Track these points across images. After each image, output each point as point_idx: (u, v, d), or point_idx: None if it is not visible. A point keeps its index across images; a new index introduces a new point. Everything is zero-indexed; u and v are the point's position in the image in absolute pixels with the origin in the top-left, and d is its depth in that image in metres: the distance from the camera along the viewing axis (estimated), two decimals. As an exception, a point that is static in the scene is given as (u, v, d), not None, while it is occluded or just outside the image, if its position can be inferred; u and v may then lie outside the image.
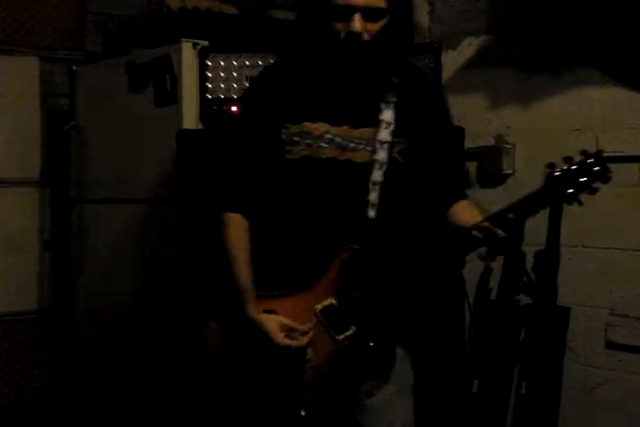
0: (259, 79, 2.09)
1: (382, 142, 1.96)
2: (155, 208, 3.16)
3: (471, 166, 3.24)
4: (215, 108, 2.98)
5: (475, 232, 1.85)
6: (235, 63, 3.00)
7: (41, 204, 3.81)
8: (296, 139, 1.95)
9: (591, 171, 1.79)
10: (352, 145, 1.96)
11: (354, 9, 1.86)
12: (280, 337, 1.89)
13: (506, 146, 3.17)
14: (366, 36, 1.88)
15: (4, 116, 3.67)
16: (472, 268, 3.16)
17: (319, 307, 1.92)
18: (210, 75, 2.97)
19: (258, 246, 1.98)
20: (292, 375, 1.91)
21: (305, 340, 1.90)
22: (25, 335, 3.78)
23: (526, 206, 1.86)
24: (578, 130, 3.00)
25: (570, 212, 3.01)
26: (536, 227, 3.07)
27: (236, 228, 1.97)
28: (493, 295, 3.16)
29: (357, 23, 1.86)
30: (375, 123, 1.98)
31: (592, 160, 1.79)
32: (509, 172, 3.16)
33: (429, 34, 3.42)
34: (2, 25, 3.67)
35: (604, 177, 1.79)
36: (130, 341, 3.27)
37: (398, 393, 2.05)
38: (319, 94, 1.97)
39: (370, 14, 1.87)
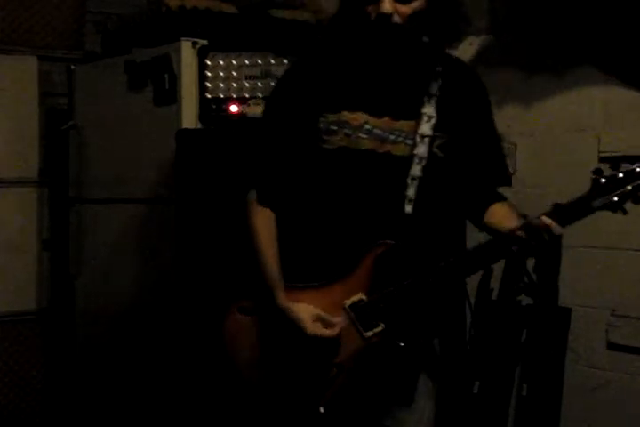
0: (296, 66, 2.05)
1: (423, 136, 1.91)
2: (154, 208, 3.15)
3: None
4: (214, 107, 2.97)
5: (520, 232, 1.85)
6: (234, 62, 2.99)
7: (39, 203, 3.80)
8: (334, 128, 1.90)
9: (638, 180, 1.78)
10: (392, 137, 1.91)
11: None
12: (311, 326, 1.86)
13: (507, 146, 3.15)
14: (396, 18, 1.83)
15: (2, 116, 3.67)
16: (473, 268, 3.16)
17: (348, 302, 1.89)
18: (209, 74, 2.96)
19: (290, 237, 1.96)
20: (316, 369, 1.88)
21: (335, 331, 1.86)
22: (24, 336, 3.78)
23: (571, 211, 1.88)
24: (579, 130, 2.99)
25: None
26: (537, 227, 3.07)
27: (264, 219, 1.95)
28: (494, 296, 3.15)
29: (387, 4, 1.81)
30: (416, 115, 1.92)
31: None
32: (510, 171, 3.15)
33: (430, 33, 3.41)
34: (1, 24, 3.66)
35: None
36: (129, 341, 3.26)
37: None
38: (359, 83, 1.93)
39: None
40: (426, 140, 1.92)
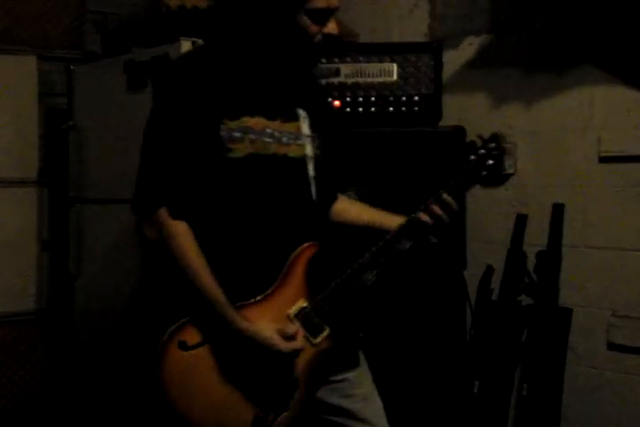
0: (185, 68, 1.86)
1: (307, 136, 1.93)
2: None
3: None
4: (214, 107, 2.96)
5: (426, 218, 1.89)
6: (234, 62, 2.98)
7: (39, 203, 3.80)
8: (237, 135, 1.81)
9: (494, 154, 1.93)
10: (284, 139, 1.88)
11: (331, 12, 1.83)
12: (283, 343, 1.77)
13: (507, 145, 3.14)
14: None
15: (1, 116, 3.66)
16: (473, 268, 3.16)
17: (293, 311, 1.84)
18: (209, 74, 2.95)
19: (211, 254, 1.80)
20: (276, 390, 1.81)
21: (301, 340, 1.81)
22: (23, 336, 3.77)
23: (455, 190, 1.92)
24: (579, 129, 2.99)
25: (571, 212, 3.01)
26: (537, 228, 3.07)
27: (187, 237, 1.78)
28: (495, 296, 3.15)
29: (335, 26, 1.84)
30: (297, 117, 1.93)
31: (493, 144, 1.93)
32: (511, 171, 3.15)
33: (430, 33, 3.41)
34: (0, 24, 3.65)
35: (501, 159, 1.94)
36: (128, 341, 3.26)
37: (371, 390, 2.03)
38: (254, 88, 1.86)
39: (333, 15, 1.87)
40: (309, 140, 1.94)
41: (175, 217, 1.79)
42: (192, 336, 1.78)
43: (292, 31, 1.82)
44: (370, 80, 2.99)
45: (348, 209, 2.10)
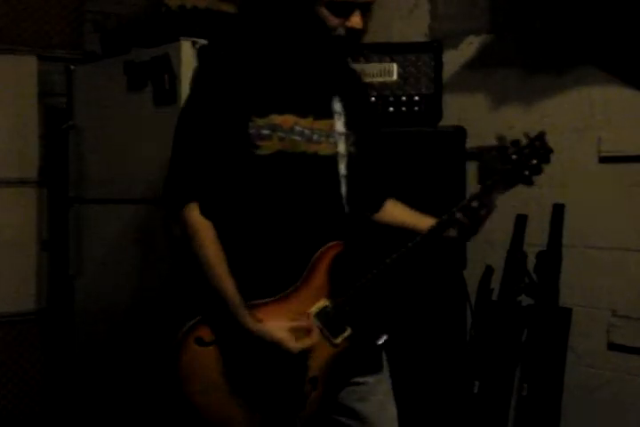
0: (214, 66, 1.87)
1: (340, 134, 1.91)
2: (154, 208, 3.14)
3: (472, 166, 3.23)
4: (214, 107, 2.96)
5: (460, 216, 1.86)
6: (234, 62, 2.98)
7: (39, 203, 3.80)
8: (266, 132, 1.81)
9: (539, 153, 1.92)
10: (315, 137, 1.87)
11: (355, 5, 1.80)
12: (294, 343, 1.76)
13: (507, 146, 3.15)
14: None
15: (1, 116, 3.66)
16: (473, 268, 3.16)
17: (314, 310, 1.83)
18: (209, 74, 2.95)
19: (236, 251, 1.82)
20: (291, 389, 1.80)
21: (315, 336, 1.80)
22: (23, 336, 3.77)
23: (490, 191, 1.90)
24: (579, 129, 2.99)
25: (571, 212, 3.01)
26: (537, 228, 3.07)
27: (208, 234, 1.80)
28: (495, 296, 3.15)
29: (360, 20, 1.80)
30: (331, 114, 1.91)
31: (538, 143, 1.92)
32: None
33: (430, 33, 3.41)
34: (0, 24, 3.66)
35: (547, 158, 1.92)
36: (128, 341, 3.26)
37: (388, 397, 2.02)
38: (283, 85, 1.85)
39: (365, 9, 1.84)
40: (342, 137, 1.91)
41: (203, 214, 1.80)
42: (209, 333, 1.80)
43: (311, 23, 1.80)
44: (370, 80, 2.98)
45: (392, 211, 2.08)
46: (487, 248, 3.21)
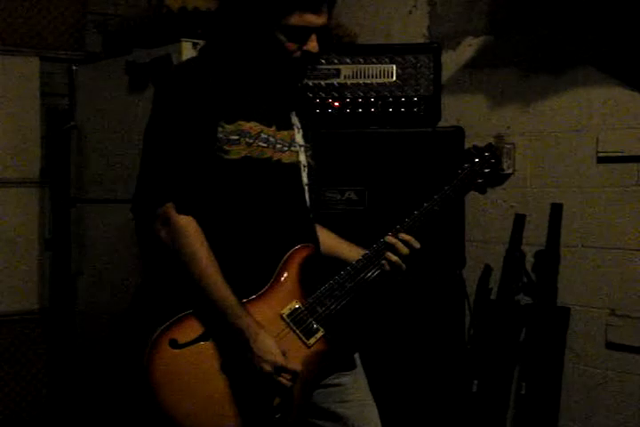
0: (186, 73, 1.89)
1: (300, 145, 1.97)
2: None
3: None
4: (215, 108, 2.97)
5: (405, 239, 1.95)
6: (235, 63, 2.99)
7: (41, 203, 3.81)
8: (234, 137, 1.84)
9: (490, 162, 2.06)
10: (278, 146, 1.91)
11: (311, 30, 1.83)
12: (280, 357, 1.75)
13: (506, 146, 3.16)
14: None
15: (3, 116, 3.67)
16: (472, 268, 3.17)
17: (286, 311, 1.84)
18: (210, 75, 2.96)
19: None
20: (270, 390, 1.78)
21: (297, 365, 1.78)
22: (25, 335, 3.78)
23: (454, 195, 2.01)
24: (578, 130, 3.00)
25: (569, 212, 3.02)
26: (536, 227, 3.08)
27: (197, 234, 1.79)
28: (493, 295, 3.16)
29: (316, 44, 1.84)
30: (291, 126, 1.97)
31: (488, 153, 2.07)
32: (509, 172, 3.16)
33: (429, 34, 3.42)
34: (2, 25, 3.67)
35: (496, 168, 2.07)
36: (129, 341, 3.27)
37: (367, 395, 2.02)
38: (249, 94, 1.90)
39: (321, 33, 1.86)
40: (302, 149, 1.97)
41: (182, 212, 1.79)
42: (184, 334, 1.77)
43: (269, 47, 1.85)
44: (369, 81, 3.00)
45: (325, 238, 2.08)
46: (486, 248, 3.22)
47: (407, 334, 2.91)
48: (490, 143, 2.10)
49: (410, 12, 3.49)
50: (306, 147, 1.99)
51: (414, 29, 3.45)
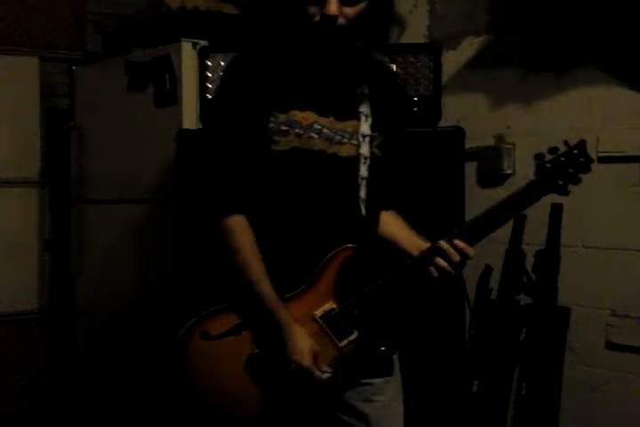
0: (238, 65, 1.90)
1: (364, 136, 1.89)
2: (154, 208, 3.16)
3: (471, 166, 3.24)
4: (215, 108, 2.97)
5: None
6: (234, 63, 2.99)
7: (41, 204, 3.81)
8: (284, 128, 1.81)
9: (577, 161, 1.83)
10: (337, 138, 1.85)
11: None
12: (309, 362, 1.77)
13: (506, 146, 3.16)
14: (342, 20, 1.77)
15: (3, 116, 3.68)
16: (472, 267, 3.17)
17: (319, 312, 1.82)
18: (210, 75, 2.96)
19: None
20: (295, 387, 1.80)
21: (324, 374, 1.78)
22: (25, 335, 3.79)
23: (524, 199, 1.87)
24: (578, 130, 2.99)
25: (569, 212, 3.02)
26: (536, 227, 3.08)
27: (244, 231, 1.81)
28: (493, 295, 3.16)
29: (333, 6, 1.75)
30: (357, 115, 1.89)
31: (577, 151, 1.84)
32: (509, 172, 3.15)
33: (429, 33, 3.42)
34: (1, 25, 3.67)
35: (587, 167, 1.83)
36: (130, 341, 3.27)
37: (396, 400, 2.02)
38: (304, 82, 1.85)
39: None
40: (367, 139, 1.89)
41: (236, 211, 1.81)
42: (214, 327, 1.81)
43: (294, 14, 1.80)
44: (369, 81, 2.99)
45: (389, 222, 2.04)
46: (486, 247, 3.21)
47: (407, 333, 2.90)
48: (582, 140, 1.86)
49: (410, 12, 3.48)
50: (372, 136, 1.90)
51: (414, 29, 3.45)
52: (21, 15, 3.71)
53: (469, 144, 3.09)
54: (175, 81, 3.01)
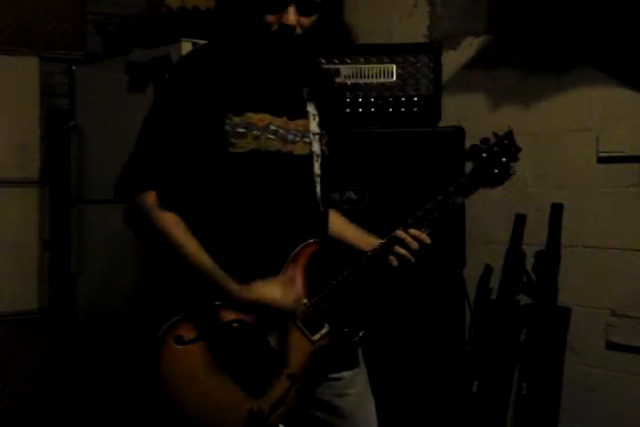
0: (189, 64, 1.89)
1: (314, 134, 1.94)
2: (154, 208, 3.15)
3: (471, 166, 3.24)
4: (215, 108, 2.97)
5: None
6: (234, 63, 2.99)
7: (40, 204, 3.81)
8: (241, 130, 1.82)
9: (509, 151, 1.91)
10: (291, 137, 1.89)
11: (288, 1, 1.78)
12: (286, 301, 1.80)
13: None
14: (298, 30, 1.80)
15: (3, 116, 3.67)
16: (472, 268, 3.17)
17: None
18: (210, 74, 2.96)
19: (210, 249, 1.80)
20: (269, 384, 1.81)
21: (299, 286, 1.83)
22: (25, 335, 3.78)
23: (467, 187, 1.93)
24: (578, 130, 3.00)
25: (569, 212, 3.02)
26: (536, 227, 3.08)
27: (174, 221, 1.79)
28: (494, 295, 3.16)
29: (292, 16, 1.78)
30: (305, 114, 1.93)
31: (507, 141, 1.91)
32: (510, 172, 3.15)
33: (429, 33, 3.42)
34: (2, 25, 3.67)
35: (516, 156, 1.91)
36: (129, 341, 3.27)
37: (366, 391, 2.03)
38: (256, 84, 1.87)
39: (304, 7, 1.80)
40: (317, 137, 1.94)
41: (164, 206, 1.80)
42: (188, 332, 1.79)
43: (252, 22, 1.82)
44: (369, 81, 3.00)
45: (335, 221, 2.09)
46: (486, 248, 3.22)
47: (407, 333, 2.90)
48: (510, 131, 1.92)
49: (410, 12, 3.49)
50: (321, 135, 1.95)
51: (414, 29, 3.45)
52: (21, 15, 3.71)
53: (469, 144, 3.09)
54: (175, 81, 3.00)
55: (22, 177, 3.74)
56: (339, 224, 2.08)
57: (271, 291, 1.81)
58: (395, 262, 1.89)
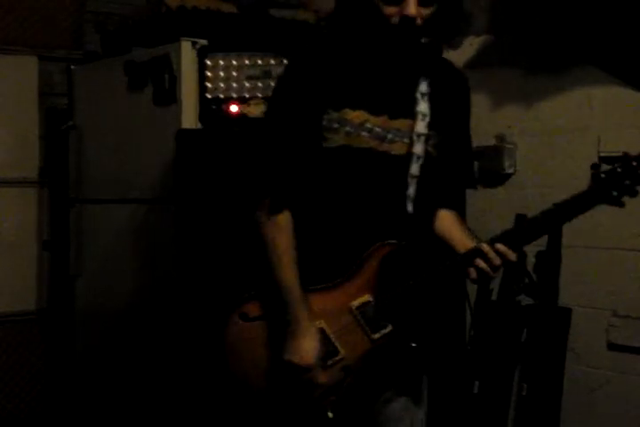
0: (297, 64, 1.97)
1: (419, 135, 1.91)
2: (154, 208, 3.15)
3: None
4: (214, 107, 2.97)
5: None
6: (234, 62, 2.99)
7: (39, 204, 3.81)
8: (335, 126, 1.86)
9: (635, 173, 1.81)
10: (390, 136, 1.89)
11: None
12: (311, 362, 1.81)
13: (507, 146, 3.16)
14: (419, 21, 1.80)
15: (2, 116, 3.67)
16: (473, 268, 3.16)
17: (355, 303, 1.85)
18: (209, 74, 2.96)
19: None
20: (323, 373, 1.83)
21: (323, 379, 1.82)
22: (23, 336, 3.78)
23: (571, 209, 1.90)
24: (579, 129, 2.99)
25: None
26: (537, 227, 3.07)
27: (287, 229, 1.87)
28: (494, 296, 3.15)
29: (412, 7, 1.77)
30: (412, 114, 1.92)
31: (635, 163, 1.81)
32: (511, 171, 3.15)
33: (430, 33, 3.42)
34: (0, 24, 3.66)
35: None
36: (129, 341, 3.26)
37: (415, 402, 2.02)
38: (360, 81, 1.89)
39: None
40: (422, 138, 1.91)
41: (278, 208, 1.86)
42: (254, 309, 1.89)
43: (369, 14, 1.82)
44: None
45: (443, 220, 2.06)
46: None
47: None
48: None
49: (410, 12, 3.48)
50: (428, 135, 1.92)
51: (415, 28, 3.45)
52: (20, 14, 3.70)
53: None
54: (174, 80, 3.00)
55: (21, 177, 3.74)
56: (445, 224, 2.04)
57: (313, 344, 1.81)
58: (473, 275, 1.87)
